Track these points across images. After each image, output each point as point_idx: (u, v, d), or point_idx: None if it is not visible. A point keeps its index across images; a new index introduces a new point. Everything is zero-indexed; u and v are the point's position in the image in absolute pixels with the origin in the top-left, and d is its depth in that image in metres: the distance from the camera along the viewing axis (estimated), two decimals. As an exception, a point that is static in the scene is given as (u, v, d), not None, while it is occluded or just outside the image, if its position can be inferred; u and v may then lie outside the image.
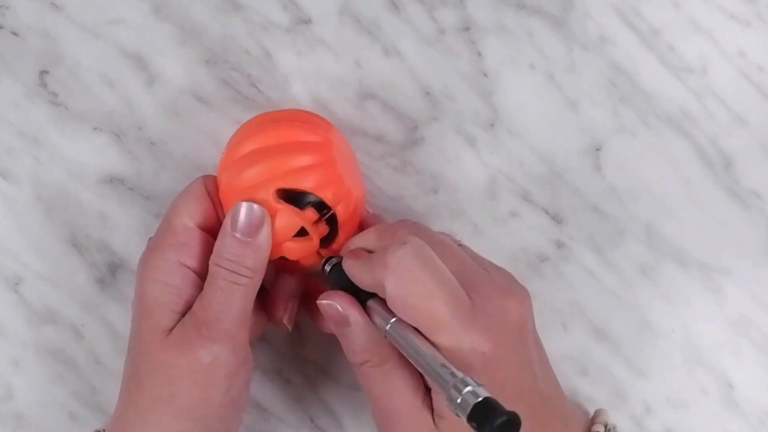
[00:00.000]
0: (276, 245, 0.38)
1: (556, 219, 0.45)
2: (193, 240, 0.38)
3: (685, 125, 0.46)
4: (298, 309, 0.41)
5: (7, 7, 0.45)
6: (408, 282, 0.34)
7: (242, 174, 0.38)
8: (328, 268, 0.39)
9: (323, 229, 0.39)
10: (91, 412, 0.44)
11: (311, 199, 0.38)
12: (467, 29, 0.45)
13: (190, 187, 0.39)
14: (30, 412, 0.44)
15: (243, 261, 0.36)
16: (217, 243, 0.37)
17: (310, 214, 0.38)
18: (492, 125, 0.45)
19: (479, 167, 0.45)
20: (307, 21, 0.45)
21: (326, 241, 0.39)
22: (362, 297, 0.37)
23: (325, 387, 0.45)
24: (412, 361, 0.34)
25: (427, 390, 0.36)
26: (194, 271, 0.38)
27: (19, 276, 0.45)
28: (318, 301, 0.37)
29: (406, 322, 0.34)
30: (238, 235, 0.36)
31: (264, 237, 0.37)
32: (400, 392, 0.35)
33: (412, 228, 0.37)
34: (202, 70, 0.45)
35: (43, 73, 0.45)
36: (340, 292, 0.37)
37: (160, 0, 0.45)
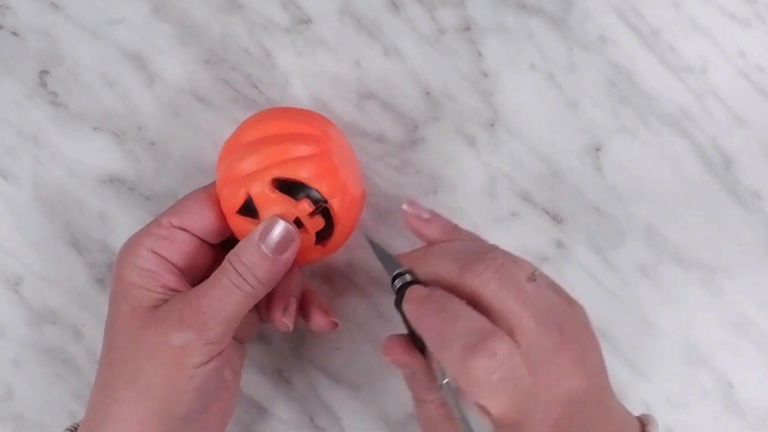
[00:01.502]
0: None
1: (556, 219, 0.45)
2: (175, 238, 0.38)
3: (685, 125, 0.46)
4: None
5: (7, 7, 0.45)
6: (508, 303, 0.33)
7: (239, 163, 0.38)
8: (398, 284, 0.37)
9: (318, 222, 0.38)
10: (91, 412, 0.44)
11: (306, 190, 0.38)
12: (467, 29, 0.45)
13: (195, 193, 0.40)
14: (30, 412, 0.44)
15: (256, 271, 0.36)
16: (241, 243, 0.37)
17: (305, 205, 0.38)
18: (492, 125, 0.45)
19: (479, 167, 0.45)
20: (307, 21, 0.45)
21: (322, 237, 0.39)
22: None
23: (325, 387, 0.45)
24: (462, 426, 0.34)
25: None
26: (171, 263, 0.38)
27: (19, 276, 0.45)
28: (382, 352, 0.37)
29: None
30: (263, 247, 0.36)
31: (287, 257, 0.37)
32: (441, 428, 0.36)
33: (499, 271, 0.35)
34: (202, 70, 0.45)
35: (43, 73, 0.45)
36: (400, 344, 0.37)
37: (160, 0, 0.45)
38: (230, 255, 0.37)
